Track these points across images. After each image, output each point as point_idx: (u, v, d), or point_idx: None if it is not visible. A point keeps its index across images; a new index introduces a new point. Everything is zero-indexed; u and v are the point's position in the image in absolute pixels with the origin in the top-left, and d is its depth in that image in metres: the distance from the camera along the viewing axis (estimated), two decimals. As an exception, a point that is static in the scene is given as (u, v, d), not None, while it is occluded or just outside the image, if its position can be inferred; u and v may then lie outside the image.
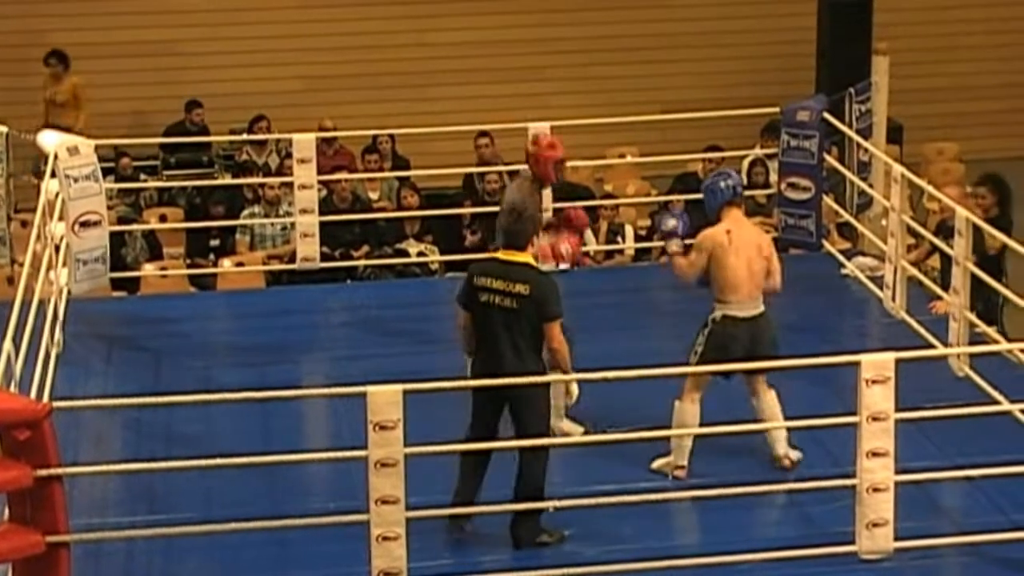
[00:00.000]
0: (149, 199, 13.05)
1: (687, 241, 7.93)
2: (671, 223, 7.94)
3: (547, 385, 7.08)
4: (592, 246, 11.64)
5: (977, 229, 8.68)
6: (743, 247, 7.64)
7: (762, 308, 7.66)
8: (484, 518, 7.13)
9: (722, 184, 7.78)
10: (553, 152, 8.41)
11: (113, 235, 10.17)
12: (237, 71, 14.85)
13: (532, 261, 7.18)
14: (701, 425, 7.55)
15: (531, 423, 7.06)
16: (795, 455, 7.71)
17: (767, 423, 7.62)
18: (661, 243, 11.66)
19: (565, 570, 6.85)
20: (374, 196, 12.57)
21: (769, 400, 7.65)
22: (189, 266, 11.78)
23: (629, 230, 12.05)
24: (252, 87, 14.64)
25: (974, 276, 8.63)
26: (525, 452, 7.04)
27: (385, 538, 6.63)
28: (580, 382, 7.38)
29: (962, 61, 15.42)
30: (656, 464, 7.65)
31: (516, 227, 7.20)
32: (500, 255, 7.20)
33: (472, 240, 11.75)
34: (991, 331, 8.77)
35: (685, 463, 7.59)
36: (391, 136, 13.23)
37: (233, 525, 6.82)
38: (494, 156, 12.63)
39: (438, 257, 11.61)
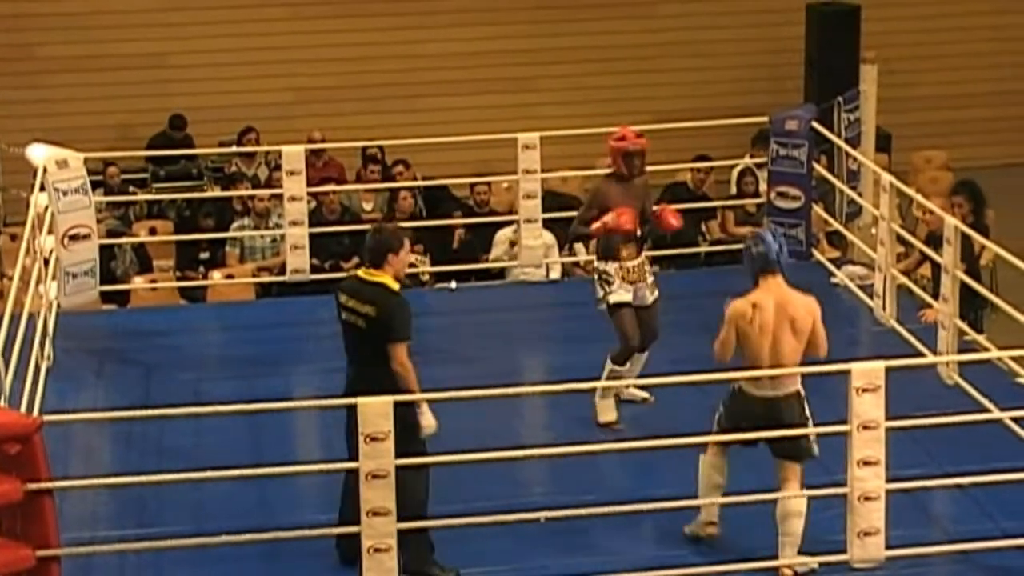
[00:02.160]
0: (139, 212, 13.04)
1: None
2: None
3: (410, 407, 6.78)
4: (581, 256, 11.65)
5: (966, 238, 8.70)
6: (770, 323, 6.99)
7: (791, 389, 7.02)
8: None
9: (753, 251, 7.09)
10: (620, 143, 8.32)
11: (103, 248, 10.15)
12: (225, 83, 14.84)
13: (388, 280, 6.93)
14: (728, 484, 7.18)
15: (399, 443, 6.79)
16: (803, 567, 7.02)
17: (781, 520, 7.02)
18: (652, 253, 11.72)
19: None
20: (368, 207, 12.57)
21: (796, 500, 6.98)
22: (179, 279, 11.75)
23: (619, 240, 12.03)
24: (241, 99, 14.63)
25: (964, 285, 8.65)
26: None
27: (377, 550, 6.61)
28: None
29: (950, 69, 15.45)
30: (688, 529, 7.28)
31: (372, 244, 7.01)
32: (361, 272, 7.02)
33: (461, 235, 11.71)
34: (981, 339, 8.78)
35: (715, 519, 7.17)
36: (380, 148, 13.23)
37: (224, 538, 6.82)
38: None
39: (428, 268, 11.61)
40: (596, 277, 8.37)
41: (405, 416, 6.74)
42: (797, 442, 7.05)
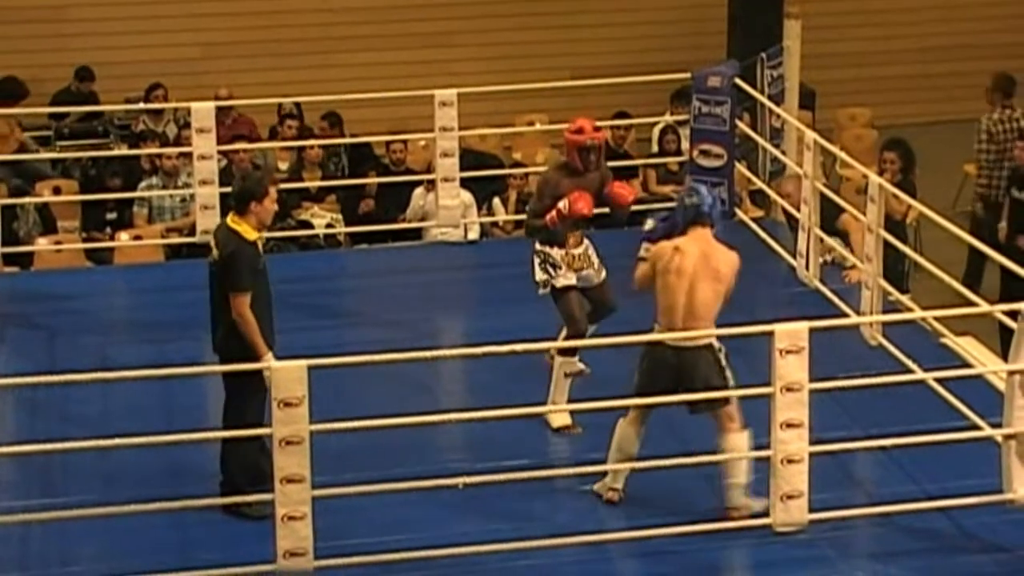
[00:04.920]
0: (41, 170, 12.72)
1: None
2: (648, 224, 7.39)
3: (247, 359, 6.83)
4: (500, 216, 11.50)
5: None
6: (688, 269, 7.01)
7: (703, 342, 7.00)
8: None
9: (686, 201, 7.19)
10: (576, 136, 7.82)
11: (4, 208, 10.01)
12: (132, 37, 14.54)
13: (244, 228, 6.98)
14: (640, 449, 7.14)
15: (229, 396, 6.99)
16: (759, 505, 7.01)
17: (727, 465, 7.00)
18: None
19: (475, 548, 6.73)
20: (283, 167, 12.32)
21: (733, 443, 7.02)
22: (85, 240, 11.50)
23: (538, 199, 11.90)
24: (148, 54, 14.35)
25: (887, 244, 8.62)
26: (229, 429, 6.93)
27: (291, 517, 6.51)
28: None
29: (874, 25, 15.43)
30: (595, 486, 7.26)
31: (236, 190, 7.14)
32: (228, 218, 7.11)
33: (366, 208, 11.53)
34: (905, 299, 8.76)
35: (619, 487, 7.20)
36: (297, 104, 12.99)
37: (133, 507, 6.66)
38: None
39: (343, 229, 11.43)
40: (539, 260, 7.93)
41: (241, 372, 6.79)
42: (708, 388, 7.02)
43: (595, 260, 8.00)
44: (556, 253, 7.90)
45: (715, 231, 7.22)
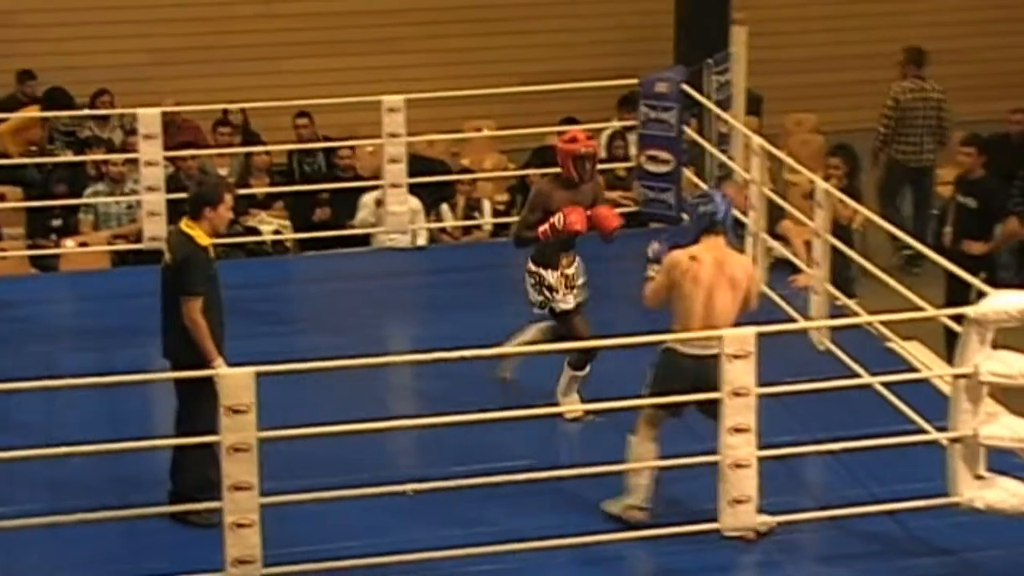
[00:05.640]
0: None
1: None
2: (652, 249, 7.29)
3: (199, 366, 6.78)
4: (448, 222, 11.48)
5: None
6: (705, 277, 6.95)
7: (716, 350, 6.86)
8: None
9: (700, 209, 7.10)
10: (571, 146, 7.75)
11: (-52, 215, 9.86)
12: (78, 43, 14.42)
13: (198, 233, 6.98)
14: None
15: (181, 402, 6.95)
16: (763, 524, 6.97)
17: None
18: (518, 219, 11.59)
19: (427, 554, 6.72)
20: (224, 172, 12.25)
21: None
22: (30, 247, 11.40)
23: (487, 205, 11.91)
24: (94, 60, 14.22)
25: (834, 249, 8.66)
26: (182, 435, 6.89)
27: (239, 525, 6.47)
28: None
29: (820, 31, 15.50)
30: (615, 509, 7.10)
31: (192, 195, 7.15)
32: (181, 223, 7.11)
33: (321, 216, 11.51)
34: (852, 303, 8.80)
35: (641, 503, 7.02)
36: (243, 110, 12.93)
37: (79, 516, 6.61)
38: (313, 135, 12.36)
39: (291, 235, 11.39)
40: (532, 281, 7.88)
41: (192, 382, 6.73)
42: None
43: (581, 279, 7.96)
44: (551, 275, 7.86)
45: (728, 238, 7.18)
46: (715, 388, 6.84)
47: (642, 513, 7.04)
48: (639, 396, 7.06)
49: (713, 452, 6.89)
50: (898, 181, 12.53)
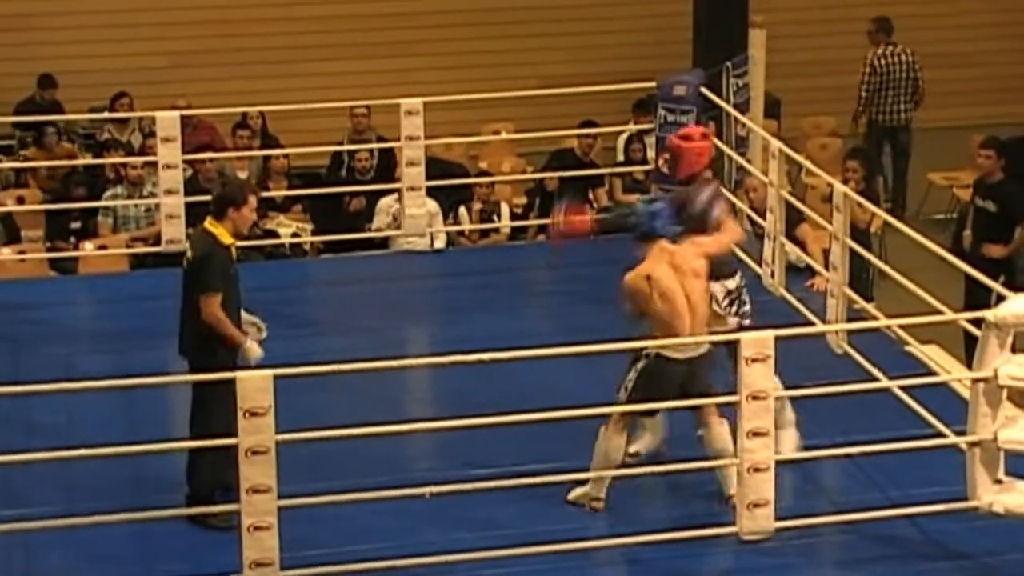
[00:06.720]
0: (6, 180, 12.63)
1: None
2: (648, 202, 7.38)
3: (222, 367, 6.73)
4: (466, 225, 11.49)
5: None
6: (673, 287, 6.97)
7: (706, 347, 7.05)
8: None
9: (630, 223, 7.17)
10: (687, 144, 7.71)
11: (-33, 218, 9.88)
12: (96, 46, 14.45)
13: (221, 232, 7.01)
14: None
15: (197, 403, 6.95)
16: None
17: (713, 460, 7.05)
18: (536, 222, 11.60)
19: (443, 557, 6.71)
20: (243, 175, 12.27)
21: (718, 434, 7.05)
22: (49, 249, 11.39)
23: (505, 208, 11.89)
24: (113, 63, 14.25)
25: (852, 252, 8.64)
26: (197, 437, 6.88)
27: (257, 528, 6.46)
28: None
29: (839, 34, 15.46)
30: (573, 495, 7.24)
31: (216, 195, 7.17)
32: (205, 222, 7.14)
33: (356, 206, 11.46)
34: (869, 307, 8.78)
35: (602, 496, 7.19)
36: (261, 113, 12.94)
37: (97, 518, 6.61)
38: (368, 128, 12.33)
39: (309, 238, 11.39)
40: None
41: (210, 385, 6.71)
42: (708, 391, 7.03)
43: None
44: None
45: (671, 238, 7.16)
46: (704, 385, 6.99)
47: (600, 503, 7.15)
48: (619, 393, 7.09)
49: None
50: (879, 140, 13.26)
